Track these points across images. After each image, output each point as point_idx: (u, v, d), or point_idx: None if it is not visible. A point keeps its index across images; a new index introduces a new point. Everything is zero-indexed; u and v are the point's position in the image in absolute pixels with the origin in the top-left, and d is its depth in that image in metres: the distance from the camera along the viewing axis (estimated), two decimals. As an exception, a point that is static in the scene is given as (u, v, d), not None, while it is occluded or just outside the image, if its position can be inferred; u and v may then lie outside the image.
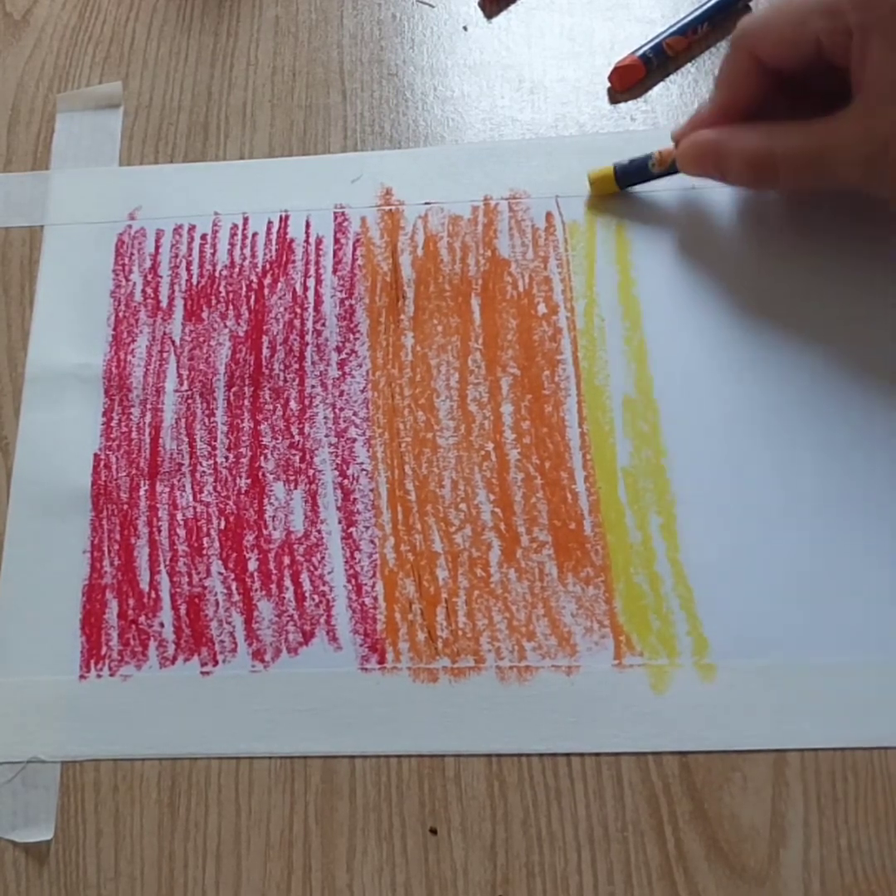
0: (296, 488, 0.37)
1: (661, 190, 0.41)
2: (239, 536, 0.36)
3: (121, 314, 0.41)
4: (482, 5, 0.46)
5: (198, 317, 0.40)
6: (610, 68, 0.43)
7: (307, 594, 0.35)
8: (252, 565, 0.36)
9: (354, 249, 0.41)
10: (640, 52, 0.43)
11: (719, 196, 0.40)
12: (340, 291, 0.40)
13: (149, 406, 0.39)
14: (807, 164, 0.34)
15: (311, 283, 0.40)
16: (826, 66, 0.34)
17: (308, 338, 0.39)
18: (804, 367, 0.37)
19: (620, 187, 0.40)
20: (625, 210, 0.41)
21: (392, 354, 0.39)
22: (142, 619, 0.35)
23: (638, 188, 0.40)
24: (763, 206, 0.40)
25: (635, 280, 0.39)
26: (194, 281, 0.41)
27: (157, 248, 0.42)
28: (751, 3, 0.44)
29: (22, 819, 0.33)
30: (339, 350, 0.39)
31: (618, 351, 0.38)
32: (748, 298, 0.38)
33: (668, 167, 0.39)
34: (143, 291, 0.41)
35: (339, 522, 0.36)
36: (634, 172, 0.40)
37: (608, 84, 0.44)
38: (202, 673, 0.35)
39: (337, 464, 0.37)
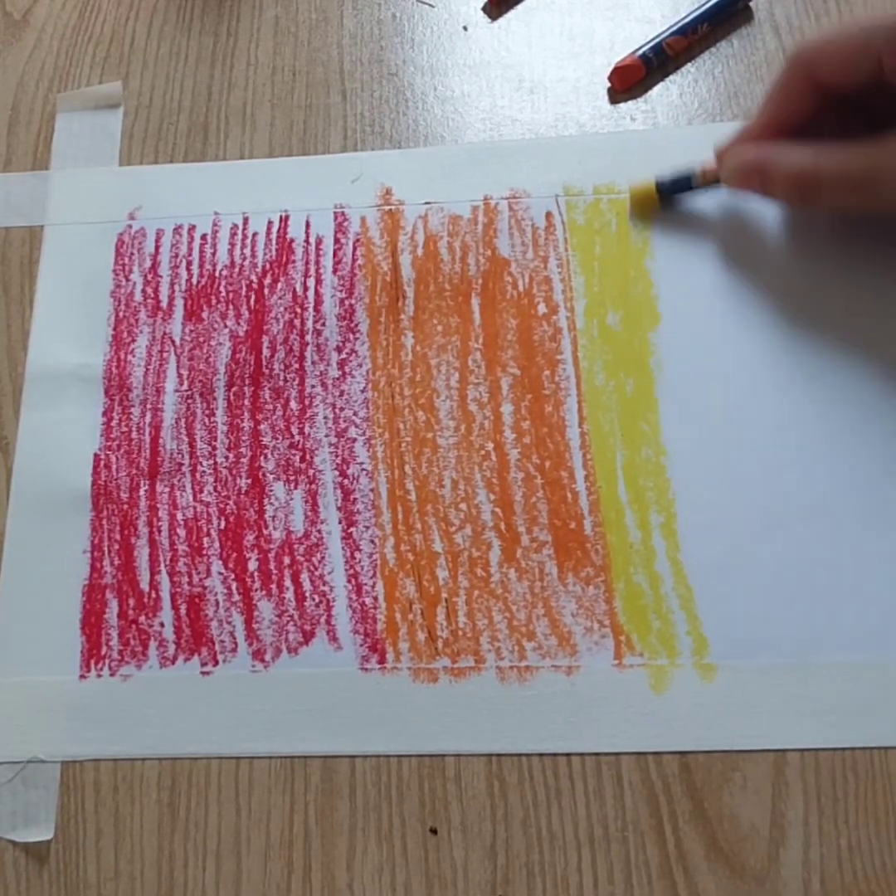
0: (296, 488, 0.37)
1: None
2: (239, 536, 0.36)
3: (121, 314, 0.41)
4: (486, 8, 0.46)
5: (198, 317, 0.40)
6: (610, 68, 0.43)
7: (307, 594, 0.35)
8: (252, 565, 0.36)
9: (354, 249, 0.41)
10: (640, 52, 0.43)
11: (723, 196, 0.40)
12: (340, 291, 0.40)
13: (149, 406, 0.39)
14: (852, 186, 0.34)
15: (311, 282, 0.40)
16: (881, 86, 0.34)
17: (308, 338, 0.39)
18: (806, 366, 0.37)
19: (662, 203, 0.40)
20: (627, 210, 0.41)
21: (392, 354, 0.39)
22: (142, 618, 0.35)
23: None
24: (771, 204, 0.40)
25: (635, 279, 0.39)
26: (194, 281, 0.41)
27: (157, 248, 0.42)
28: (751, 3, 0.45)
29: (22, 819, 0.33)
30: (339, 350, 0.39)
31: (618, 350, 0.38)
32: (752, 297, 0.38)
33: (712, 181, 0.39)
34: (143, 291, 0.41)
35: (340, 522, 0.36)
36: (677, 188, 0.39)
37: (608, 84, 0.44)
38: (202, 673, 0.35)
39: (337, 464, 0.37)
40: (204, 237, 0.42)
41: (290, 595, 0.35)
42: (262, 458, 0.38)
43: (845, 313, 0.38)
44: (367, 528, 0.36)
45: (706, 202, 0.40)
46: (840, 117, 0.36)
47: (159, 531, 0.37)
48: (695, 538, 0.35)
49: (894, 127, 0.33)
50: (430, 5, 0.47)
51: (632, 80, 0.43)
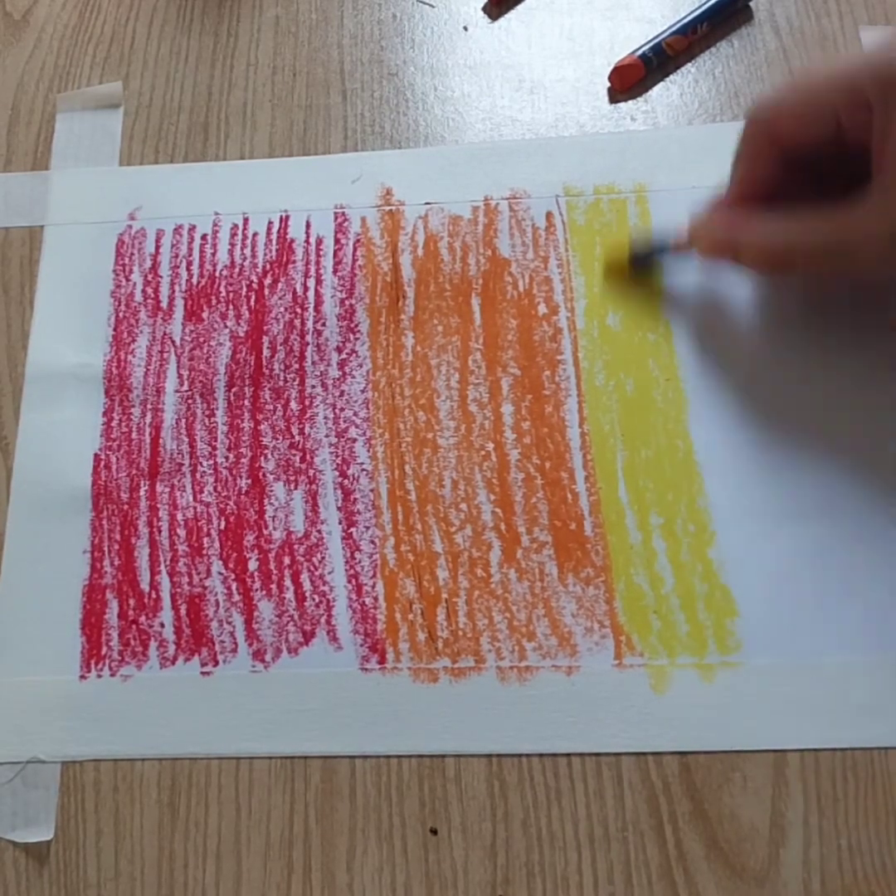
0: (296, 488, 0.37)
1: (661, 190, 0.41)
2: (239, 536, 0.36)
3: (121, 314, 0.41)
4: (486, 8, 0.46)
5: (198, 317, 0.40)
6: (610, 68, 0.43)
7: (307, 594, 0.35)
8: (252, 565, 0.36)
9: (355, 249, 0.41)
10: (640, 52, 0.43)
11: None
12: (341, 291, 0.40)
13: (149, 406, 0.39)
14: (825, 255, 0.33)
15: (311, 283, 0.40)
16: (845, 145, 0.32)
17: (308, 338, 0.39)
18: (808, 366, 0.37)
19: (635, 270, 0.39)
20: (627, 211, 0.41)
21: (392, 354, 0.39)
22: (142, 619, 0.35)
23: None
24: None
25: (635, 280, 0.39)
26: (194, 281, 0.41)
27: (157, 248, 0.42)
28: (751, 3, 0.45)
29: (22, 819, 0.33)
30: (339, 350, 0.39)
31: (618, 351, 0.38)
32: (751, 297, 0.38)
33: (685, 251, 0.37)
34: (144, 291, 0.41)
35: (340, 522, 0.36)
36: (650, 258, 0.39)
37: (608, 84, 0.44)
38: (202, 673, 0.35)
39: (337, 464, 0.37)
40: (204, 237, 0.42)
41: (290, 595, 0.35)
42: (262, 458, 0.38)
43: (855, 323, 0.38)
44: (368, 528, 0.36)
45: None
46: (809, 177, 0.34)
47: (159, 531, 0.37)
48: (695, 538, 0.35)
49: (860, 189, 0.31)
50: (431, 5, 0.47)
51: (632, 80, 0.43)
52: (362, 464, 0.37)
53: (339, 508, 0.37)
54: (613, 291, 0.39)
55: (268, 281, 0.41)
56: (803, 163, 0.33)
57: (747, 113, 0.34)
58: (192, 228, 0.42)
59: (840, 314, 0.37)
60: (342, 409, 0.38)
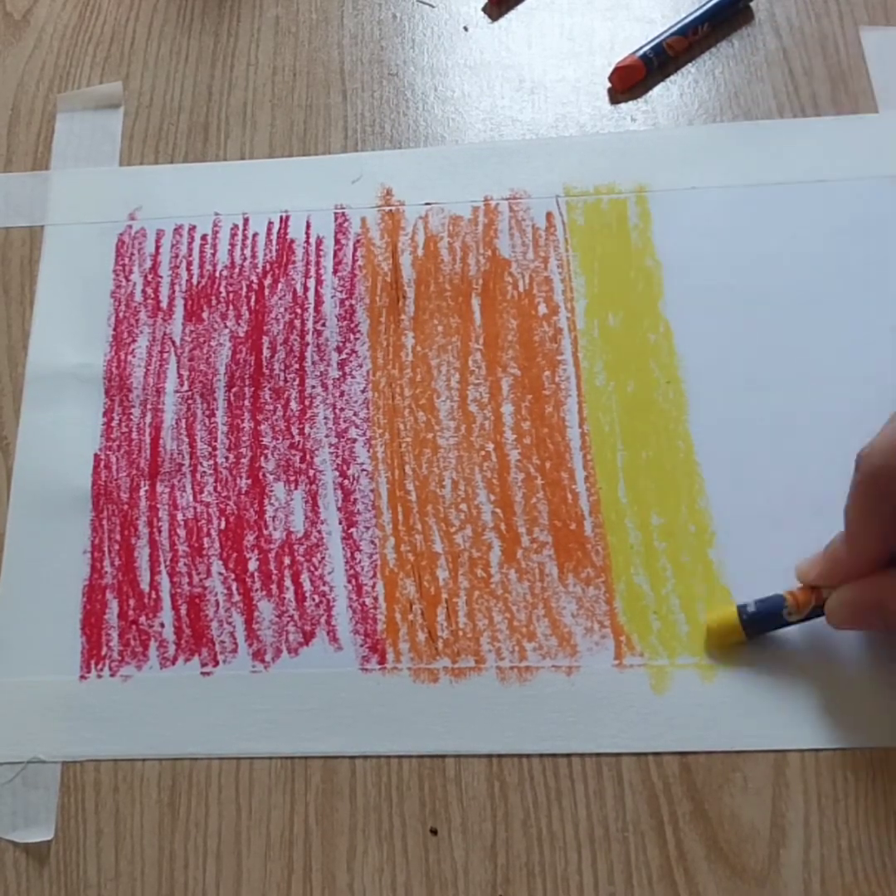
0: (296, 489, 0.37)
1: (661, 190, 0.41)
2: (239, 537, 0.36)
3: (121, 314, 0.41)
4: (486, 8, 0.46)
5: (198, 317, 0.40)
6: (610, 68, 0.43)
7: (307, 594, 0.35)
8: (252, 565, 0.36)
9: (355, 250, 0.41)
10: (641, 52, 0.43)
11: (722, 197, 0.40)
12: (341, 292, 0.40)
13: (149, 406, 0.39)
14: None
15: (311, 283, 0.40)
16: None
17: (308, 338, 0.39)
18: (814, 372, 0.37)
19: (748, 636, 0.33)
20: (627, 211, 0.41)
21: (392, 355, 0.39)
22: (142, 619, 0.35)
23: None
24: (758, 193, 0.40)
25: (636, 280, 0.39)
26: (194, 281, 0.41)
27: (157, 248, 0.42)
28: (751, 3, 0.45)
29: (22, 819, 0.33)
30: (339, 350, 0.39)
31: (619, 351, 0.38)
32: (752, 299, 0.38)
33: (809, 613, 0.32)
34: (144, 292, 0.41)
35: (340, 523, 0.36)
36: (766, 620, 0.33)
37: (608, 84, 0.44)
38: (202, 673, 0.35)
39: (337, 464, 0.37)
40: (204, 237, 0.42)
41: (290, 595, 0.35)
42: (262, 458, 0.38)
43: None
44: (368, 528, 0.36)
45: (710, 202, 0.40)
46: None
47: (159, 531, 0.37)
48: (695, 539, 0.35)
49: None
50: (431, 5, 0.47)
51: (632, 80, 0.43)
52: (362, 464, 0.37)
53: (339, 508, 0.37)
54: (727, 653, 0.33)
55: (268, 281, 0.41)
56: None
57: (862, 470, 0.30)
58: (192, 228, 0.42)
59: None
60: (342, 410, 0.38)
